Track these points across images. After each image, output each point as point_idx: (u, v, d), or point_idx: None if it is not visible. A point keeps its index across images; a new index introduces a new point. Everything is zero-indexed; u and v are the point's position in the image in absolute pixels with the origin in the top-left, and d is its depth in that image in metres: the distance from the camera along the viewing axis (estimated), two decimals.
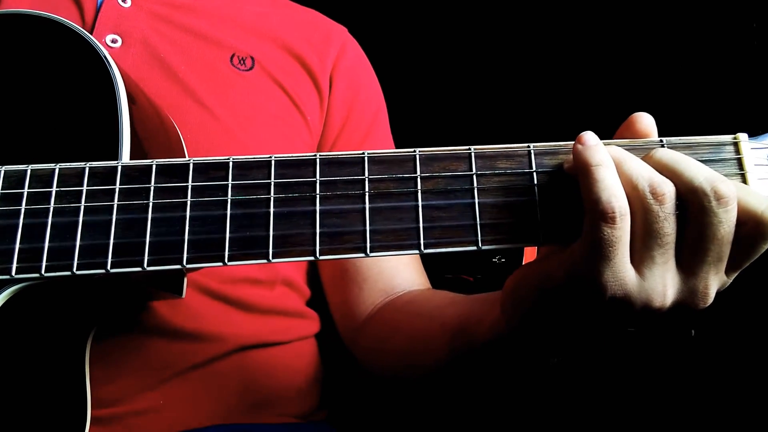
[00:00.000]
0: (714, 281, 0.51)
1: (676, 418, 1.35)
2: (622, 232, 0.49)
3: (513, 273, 0.58)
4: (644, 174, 0.50)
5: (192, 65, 0.87)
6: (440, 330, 0.73)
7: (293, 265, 0.95)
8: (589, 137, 0.52)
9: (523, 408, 1.34)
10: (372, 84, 1.07)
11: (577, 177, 0.52)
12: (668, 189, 0.49)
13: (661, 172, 0.51)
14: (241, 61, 0.91)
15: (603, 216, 0.48)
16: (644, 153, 0.53)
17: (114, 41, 0.84)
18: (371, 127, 1.02)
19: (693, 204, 0.49)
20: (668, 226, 0.49)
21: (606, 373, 1.40)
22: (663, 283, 0.51)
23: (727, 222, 0.49)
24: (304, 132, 0.94)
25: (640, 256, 0.50)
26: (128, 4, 0.87)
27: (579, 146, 0.52)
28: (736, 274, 0.53)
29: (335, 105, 0.98)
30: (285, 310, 0.92)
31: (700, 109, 1.39)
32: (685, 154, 0.53)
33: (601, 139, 0.55)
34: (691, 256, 0.50)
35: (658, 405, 1.37)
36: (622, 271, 0.50)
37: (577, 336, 0.57)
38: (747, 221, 0.50)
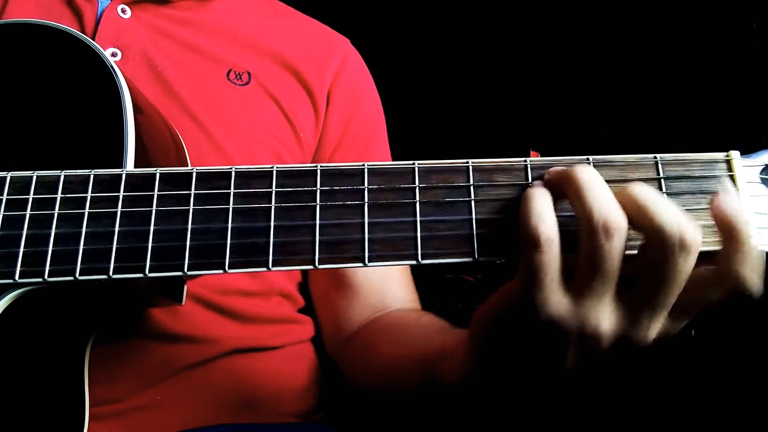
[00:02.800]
0: (655, 322, 0.51)
1: (676, 418, 1.36)
2: (548, 258, 0.49)
3: (476, 310, 0.58)
4: (602, 205, 0.49)
5: (188, 80, 0.88)
6: (412, 361, 0.73)
7: (286, 277, 0.96)
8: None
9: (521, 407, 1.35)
10: (371, 98, 1.06)
11: None
12: (619, 226, 0.49)
13: (631, 206, 0.50)
14: (238, 77, 0.92)
15: (529, 241, 0.50)
16: (637, 169, 0.54)
17: (114, 55, 0.84)
18: (369, 142, 1.02)
19: (655, 245, 0.49)
20: (611, 262, 0.49)
21: (605, 372, 1.40)
22: (596, 313, 0.51)
23: (685, 271, 0.49)
24: (296, 149, 0.94)
25: (579, 283, 0.51)
26: (128, 15, 0.87)
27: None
28: (682, 326, 0.53)
29: (332, 120, 0.98)
30: (279, 318, 0.93)
31: (698, 110, 1.39)
32: (678, 170, 0.54)
33: (596, 152, 0.55)
34: (637, 295, 0.51)
35: (658, 405, 1.38)
36: (552, 293, 0.50)
37: (534, 377, 0.57)
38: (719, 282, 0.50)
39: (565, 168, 0.53)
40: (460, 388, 0.63)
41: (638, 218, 0.50)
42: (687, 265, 0.49)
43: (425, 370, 0.70)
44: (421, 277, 1.00)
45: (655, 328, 0.52)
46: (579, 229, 0.50)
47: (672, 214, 0.49)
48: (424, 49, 1.76)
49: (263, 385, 0.88)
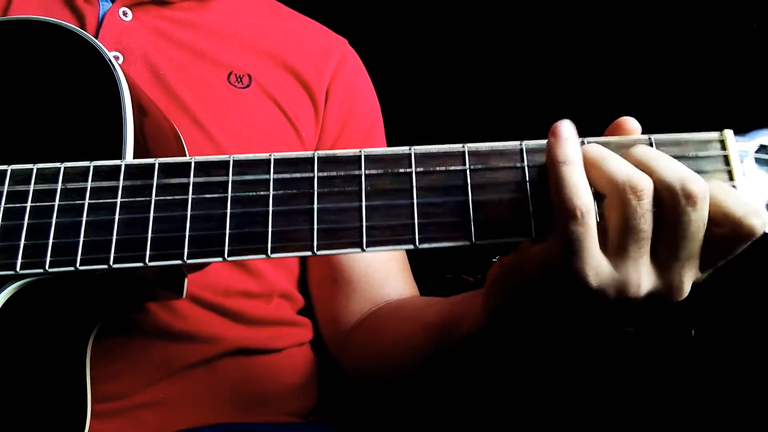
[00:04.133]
0: (688, 276, 0.52)
1: (676, 418, 1.36)
2: (586, 228, 0.50)
3: (493, 266, 0.59)
4: (624, 170, 0.51)
5: (189, 83, 0.88)
6: (423, 329, 0.74)
7: (286, 275, 0.96)
8: (561, 129, 0.53)
9: (522, 408, 1.35)
10: (369, 97, 1.07)
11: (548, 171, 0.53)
12: (646, 185, 0.50)
13: (638, 168, 0.52)
14: (238, 79, 0.92)
15: (568, 213, 0.50)
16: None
17: (116, 58, 0.85)
18: (366, 140, 1.02)
19: (666, 201, 0.50)
20: (645, 223, 0.50)
21: (605, 373, 1.40)
22: (637, 276, 0.52)
23: (696, 221, 0.50)
24: (298, 148, 0.95)
25: (616, 249, 0.51)
26: (129, 17, 0.88)
27: (551, 139, 0.53)
28: (710, 271, 0.54)
29: (330, 118, 0.99)
30: (279, 320, 0.93)
31: (697, 110, 1.40)
32: (673, 150, 0.54)
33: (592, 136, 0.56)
34: (664, 252, 0.51)
35: (658, 405, 1.38)
36: (594, 262, 0.51)
37: (558, 328, 0.58)
38: (724, 223, 0.51)
39: None
40: (476, 341, 0.63)
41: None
42: (697, 214, 0.50)
43: (439, 334, 0.70)
44: (421, 277, 1.01)
45: (688, 281, 0.53)
46: (606, 198, 0.51)
47: (671, 168, 0.51)
48: (421, 50, 1.76)
49: (263, 386, 0.89)
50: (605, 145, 0.54)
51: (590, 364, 1.39)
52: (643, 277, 0.52)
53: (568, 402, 1.39)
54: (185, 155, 0.77)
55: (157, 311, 0.80)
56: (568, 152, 0.52)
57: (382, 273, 0.95)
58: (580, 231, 0.50)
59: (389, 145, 1.07)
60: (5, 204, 0.58)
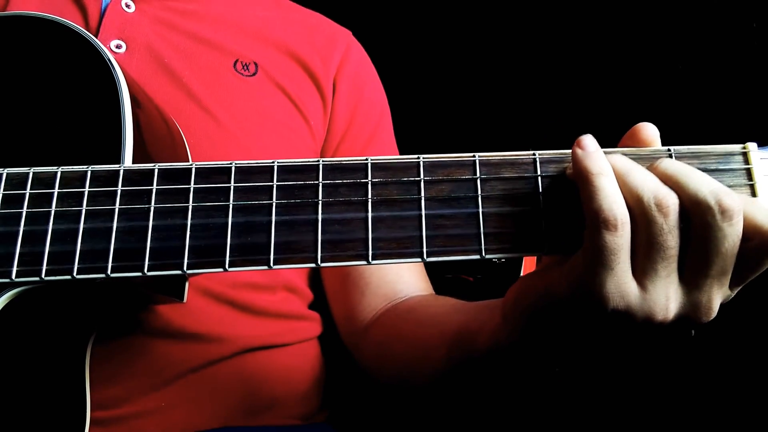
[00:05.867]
0: (717, 295, 0.51)
1: (676, 418, 1.35)
2: (623, 240, 0.48)
3: (515, 283, 0.57)
4: (649, 185, 0.49)
5: (195, 71, 0.87)
6: (439, 338, 0.73)
7: (295, 270, 0.95)
8: (588, 142, 0.51)
9: (523, 407, 1.34)
10: (376, 88, 1.07)
11: (578, 183, 0.51)
12: (672, 201, 0.49)
13: (665, 183, 0.50)
14: (245, 67, 0.91)
15: (605, 224, 0.48)
16: (650, 162, 0.52)
17: (118, 47, 0.83)
18: (375, 132, 1.01)
19: (697, 217, 0.49)
20: (672, 239, 0.49)
21: (606, 372, 1.39)
22: (666, 296, 0.50)
23: (731, 236, 0.48)
24: (307, 137, 0.94)
25: (643, 269, 0.49)
26: (132, 9, 0.87)
27: (579, 152, 0.51)
28: (739, 288, 0.52)
29: (338, 109, 0.98)
30: (287, 313, 0.91)
31: (704, 111, 1.38)
32: (693, 163, 0.52)
33: (606, 146, 0.54)
34: (694, 270, 0.50)
35: (658, 405, 1.37)
36: (624, 282, 0.49)
37: (577, 347, 0.57)
38: (753, 236, 0.49)
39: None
40: (493, 357, 0.62)
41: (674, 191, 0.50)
42: (732, 230, 0.48)
43: (453, 345, 0.69)
44: None
45: (717, 301, 0.51)
46: (633, 215, 0.49)
47: (703, 182, 0.49)
48: (426, 43, 1.74)
49: (268, 387, 0.87)
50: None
51: (589, 364, 1.38)
52: (671, 298, 0.50)
53: (566, 401, 1.38)
54: (182, 147, 0.75)
55: (161, 308, 0.78)
56: (602, 163, 0.50)
57: (395, 268, 0.94)
58: (617, 243, 0.48)
59: (397, 144, 1.06)
60: (0, 209, 0.56)
